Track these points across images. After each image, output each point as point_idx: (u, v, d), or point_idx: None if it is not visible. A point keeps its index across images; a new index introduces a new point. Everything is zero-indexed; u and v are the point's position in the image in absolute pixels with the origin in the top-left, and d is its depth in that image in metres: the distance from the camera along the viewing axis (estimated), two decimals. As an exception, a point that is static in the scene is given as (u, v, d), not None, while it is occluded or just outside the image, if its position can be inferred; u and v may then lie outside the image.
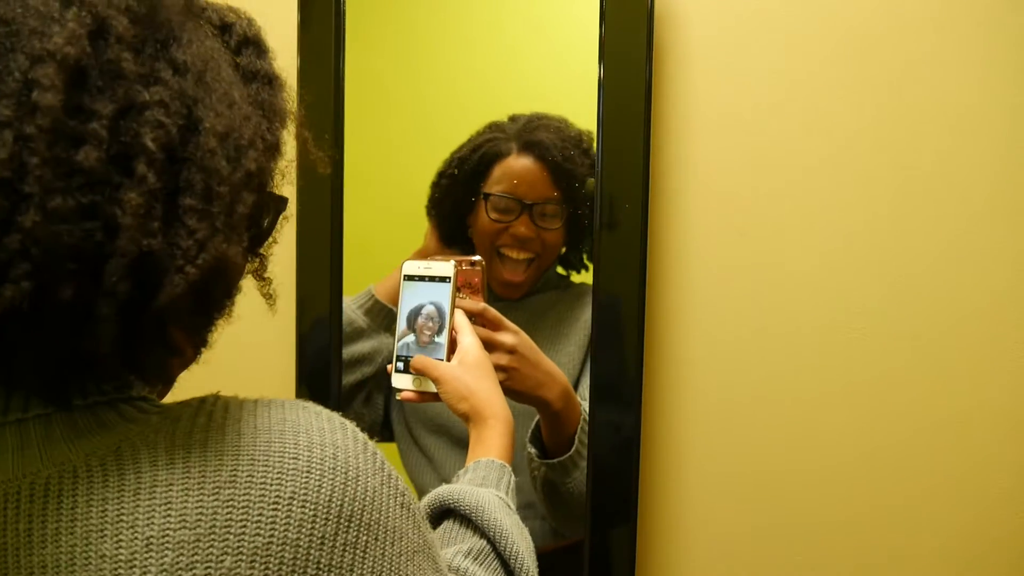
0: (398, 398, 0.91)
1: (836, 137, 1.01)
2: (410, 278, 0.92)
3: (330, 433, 0.50)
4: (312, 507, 0.46)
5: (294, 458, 0.47)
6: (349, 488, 0.48)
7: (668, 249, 1.06)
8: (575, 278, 1.12)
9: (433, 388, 0.86)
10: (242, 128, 0.50)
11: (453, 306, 0.89)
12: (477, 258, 0.98)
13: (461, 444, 1.09)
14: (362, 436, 0.52)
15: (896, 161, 1.00)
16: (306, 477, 0.47)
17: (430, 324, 0.89)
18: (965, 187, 0.98)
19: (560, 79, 1.10)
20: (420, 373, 0.87)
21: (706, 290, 1.06)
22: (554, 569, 1.07)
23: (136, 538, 0.44)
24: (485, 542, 0.69)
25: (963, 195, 0.98)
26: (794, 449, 1.04)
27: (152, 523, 0.44)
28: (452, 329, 0.88)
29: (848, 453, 1.02)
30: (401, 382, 0.90)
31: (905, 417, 1.01)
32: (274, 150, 0.56)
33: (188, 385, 0.56)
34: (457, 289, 0.91)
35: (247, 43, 0.57)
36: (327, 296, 1.14)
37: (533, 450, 1.02)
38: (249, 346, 1.18)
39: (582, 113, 1.06)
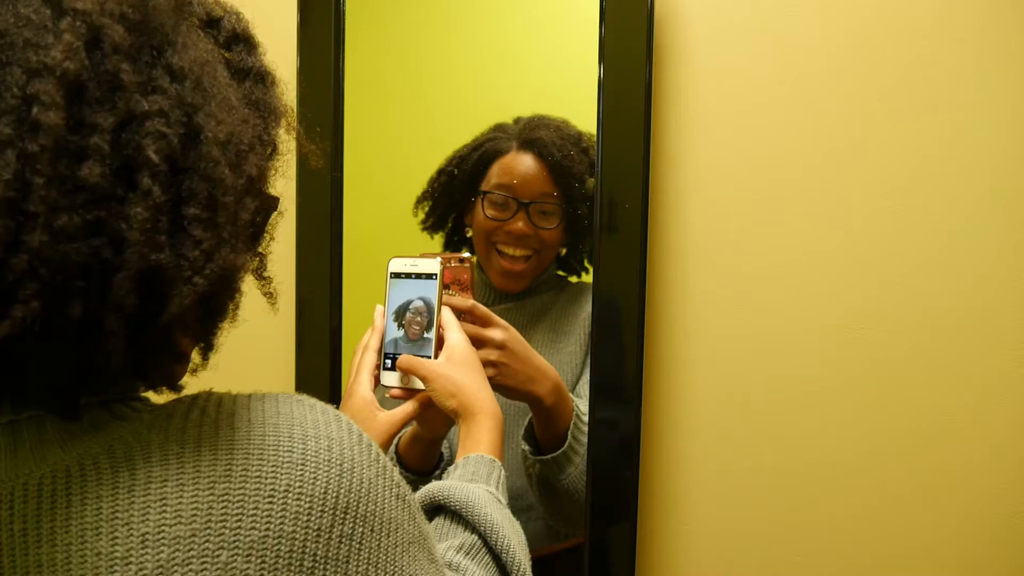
0: (387, 396, 0.91)
1: (836, 137, 1.01)
2: (396, 275, 0.91)
3: (324, 426, 0.50)
4: (308, 499, 0.46)
5: (288, 451, 0.47)
6: (344, 480, 0.48)
7: (668, 249, 1.06)
8: (573, 280, 1.12)
9: (421, 385, 0.85)
10: (241, 133, 0.49)
11: (440, 303, 0.88)
12: (466, 255, 0.97)
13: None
14: (356, 428, 0.52)
15: (896, 161, 1.00)
16: (301, 469, 0.47)
17: (417, 321, 0.89)
18: (965, 187, 0.98)
19: (560, 79, 1.10)
20: (408, 372, 0.86)
21: (706, 290, 1.05)
22: (554, 570, 1.07)
23: (132, 535, 0.43)
24: (476, 536, 0.69)
25: (963, 194, 0.98)
26: (794, 448, 1.04)
27: (147, 519, 0.44)
28: (439, 326, 0.88)
29: (847, 452, 1.02)
30: (389, 380, 0.90)
31: (904, 417, 1.01)
32: (272, 150, 0.56)
33: (188, 386, 0.56)
34: (445, 286, 0.91)
35: (236, 39, 0.55)
36: (327, 296, 1.14)
37: (527, 447, 1.02)
38: (249, 346, 1.17)
39: (582, 113, 1.05)
